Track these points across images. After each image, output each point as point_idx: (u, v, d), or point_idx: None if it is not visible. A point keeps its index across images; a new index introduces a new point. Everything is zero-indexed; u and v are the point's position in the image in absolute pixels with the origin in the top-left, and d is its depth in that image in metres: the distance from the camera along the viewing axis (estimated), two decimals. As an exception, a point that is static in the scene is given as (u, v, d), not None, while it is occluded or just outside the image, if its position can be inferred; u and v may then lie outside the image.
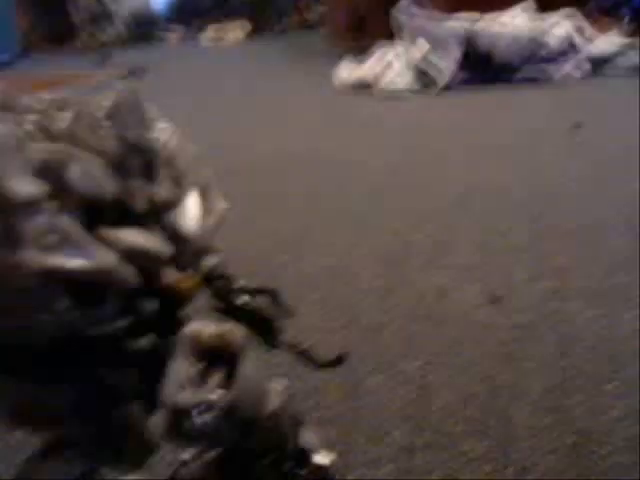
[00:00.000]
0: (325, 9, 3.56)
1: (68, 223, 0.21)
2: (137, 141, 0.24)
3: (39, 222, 0.20)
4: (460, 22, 2.21)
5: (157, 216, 0.25)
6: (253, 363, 0.33)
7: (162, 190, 0.25)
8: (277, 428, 0.34)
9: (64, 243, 0.21)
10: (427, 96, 2.03)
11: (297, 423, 0.37)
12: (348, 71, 2.25)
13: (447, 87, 2.03)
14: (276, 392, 0.34)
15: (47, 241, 0.21)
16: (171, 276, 0.25)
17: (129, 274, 0.23)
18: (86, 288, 0.22)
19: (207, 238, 0.28)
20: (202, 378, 0.32)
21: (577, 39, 2.19)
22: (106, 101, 0.24)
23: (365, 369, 0.59)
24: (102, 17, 5.19)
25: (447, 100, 1.96)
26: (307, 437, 0.38)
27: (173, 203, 0.26)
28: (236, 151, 1.51)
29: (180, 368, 0.31)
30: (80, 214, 0.22)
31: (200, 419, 0.30)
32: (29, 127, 0.22)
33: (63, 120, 0.23)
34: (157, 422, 0.28)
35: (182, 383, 0.30)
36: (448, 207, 1.03)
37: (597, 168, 1.15)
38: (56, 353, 0.23)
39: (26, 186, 0.20)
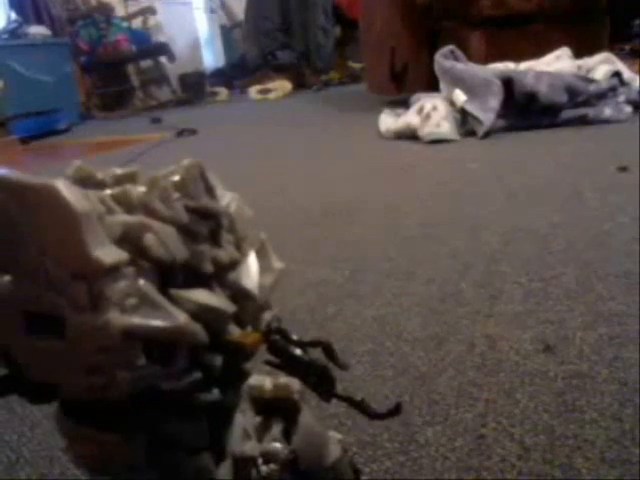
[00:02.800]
0: (365, 62, 3.66)
1: (145, 286, 0.23)
2: (203, 209, 0.26)
3: (120, 286, 0.22)
4: (498, 69, 2.24)
5: (221, 277, 0.27)
6: (311, 414, 0.34)
7: (225, 253, 0.27)
8: (338, 478, 0.34)
9: (142, 305, 0.23)
10: (469, 143, 2.04)
11: (357, 475, 0.38)
12: (391, 120, 2.30)
13: (489, 133, 2.05)
14: (335, 442, 0.35)
15: (128, 303, 0.23)
16: (235, 332, 0.27)
17: (200, 332, 0.24)
18: (159, 345, 0.24)
19: (266, 295, 0.29)
20: (264, 430, 0.33)
21: (626, 74, 2.16)
22: (174, 174, 0.26)
23: (420, 420, 0.59)
24: (158, 79, 5.49)
25: (489, 146, 1.97)
26: None
27: (235, 264, 0.28)
28: (278, 200, 1.55)
29: (244, 420, 0.32)
30: (155, 278, 0.24)
31: (266, 468, 0.31)
32: (108, 201, 0.24)
33: (137, 193, 0.25)
34: (224, 472, 0.29)
35: (247, 434, 0.31)
36: (493, 253, 1.03)
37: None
38: (132, 405, 0.25)
39: (109, 255, 0.22)
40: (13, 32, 4.28)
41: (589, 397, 0.60)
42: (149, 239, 0.23)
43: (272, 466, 0.31)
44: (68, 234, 0.21)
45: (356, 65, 5.06)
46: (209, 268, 0.26)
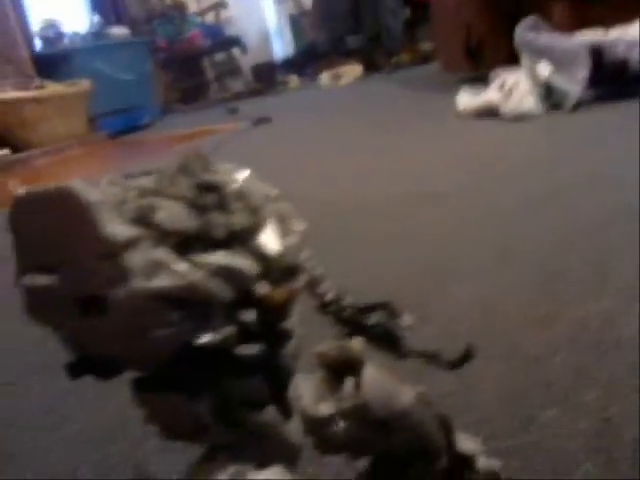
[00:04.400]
0: (438, 40, 3.57)
1: (161, 254, 0.27)
2: (205, 184, 0.29)
3: (139, 257, 0.26)
4: (586, 38, 2.13)
5: (241, 242, 0.29)
6: (375, 367, 0.36)
7: (237, 219, 0.30)
8: (415, 427, 0.35)
9: (160, 270, 0.26)
10: (555, 118, 1.95)
11: (446, 426, 0.38)
12: (469, 98, 2.23)
13: (577, 105, 1.95)
14: (406, 392, 0.36)
15: (147, 270, 0.26)
16: (263, 289, 0.29)
17: (218, 288, 0.27)
18: (192, 305, 0.27)
19: (293, 256, 0.31)
20: (335, 389, 0.36)
21: None
22: (177, 162, 0.31)
23: (536, 401, 0.57)
24: (232, 71, 5.62)
25: (576, 121, 1.88)
26: (467, 443, 0.39)
27: (252, 229, 0.30)
28: (364, 187, 1.54)
29: (316, 383, 0.35)
30: (172, 247, 0.27)
31: (341, 426, 0.34)
32: (127, 194, 0.28)
33: (151, 183, 0.30)
34: (292, 427, 0.32)
35: (319, 395, 0.35)
36: (599, 229, 0.98)
37: None
38: (192, 368, 0.28)
39: (124, 232, 0.26)
40: (97, 34, 4.49)
41: None
42: (160, 215, 0.27)
43: (345, 423, 0.34)
44: (86, 222, 0.25)
45: (427, 46, 4.95)
46: (221, 233, 0.28)
